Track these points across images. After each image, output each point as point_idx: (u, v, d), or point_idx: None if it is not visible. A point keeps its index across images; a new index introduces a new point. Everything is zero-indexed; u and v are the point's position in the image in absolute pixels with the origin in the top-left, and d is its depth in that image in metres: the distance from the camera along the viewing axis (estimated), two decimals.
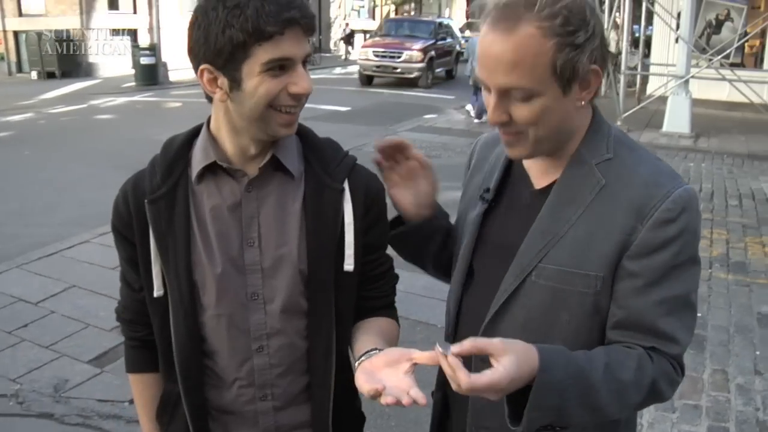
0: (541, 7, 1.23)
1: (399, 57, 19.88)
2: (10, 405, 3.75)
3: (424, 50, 20.18)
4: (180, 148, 1.50)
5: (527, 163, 1.45)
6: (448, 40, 22.85)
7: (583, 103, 1.33)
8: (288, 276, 1.47)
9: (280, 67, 1.33)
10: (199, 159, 1.47)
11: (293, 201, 1.48)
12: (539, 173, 1.43)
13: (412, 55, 19.95)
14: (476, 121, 13.85)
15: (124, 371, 1.69)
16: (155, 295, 1.49)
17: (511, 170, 1.49)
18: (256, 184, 1.47)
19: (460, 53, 22.86)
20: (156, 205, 1.46)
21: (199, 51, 1.35)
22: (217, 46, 1.31)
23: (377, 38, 22.35)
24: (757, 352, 4.35)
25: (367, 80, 20.78)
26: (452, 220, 1.69)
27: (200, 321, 1.49)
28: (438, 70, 21.66)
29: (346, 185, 1.51)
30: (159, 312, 1.51)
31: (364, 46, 21.41)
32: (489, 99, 1.31)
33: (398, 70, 19.92)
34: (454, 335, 1.53)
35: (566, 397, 1.23)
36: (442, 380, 1.60)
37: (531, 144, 1.33)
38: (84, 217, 7.02)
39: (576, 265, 1.33)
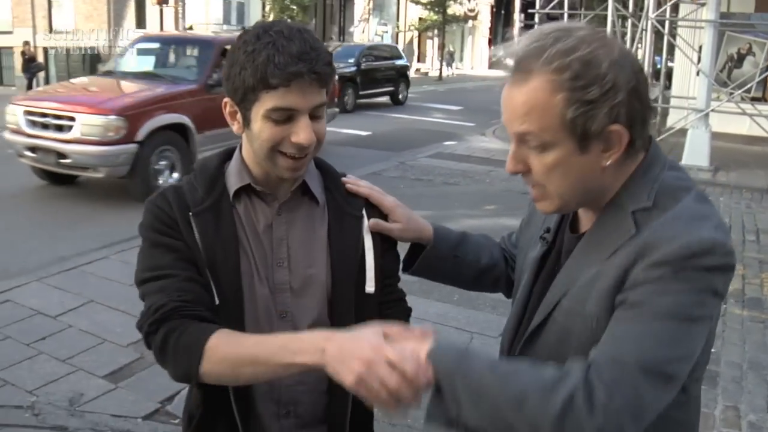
0: (549, 58, 1.19)
1: (68, 127, 8.37)
2: (26, 417, 3.80)
3: (137, 110, 8.52)
4: (216, 168, 1.57)
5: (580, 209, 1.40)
6: None
7: (607, 163, 1.24)
8: (316, 295, 1.54)
9: (285, 116, 1.40)
10: (234, 181, 1.55)
11: (320, 226, 1.58)
12: (587, 218, 1.38)
13: (94, 123, 8.29)
14: None
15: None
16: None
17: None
18: (286, 208, 1.55)
19: None
20: (202, 217, 1.50)
21: (225, 84, 1.45)
22: (235, 84, 1.41)
23: (66, 84, 11.66)
24: None
25: (45, 173, 9.12)
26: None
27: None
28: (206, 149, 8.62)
29: (364, 213, 1.61)
30: (231, 303, 1.49)
31: (14, 102, 9.08)
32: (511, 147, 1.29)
33: (67, 161, 8.42)
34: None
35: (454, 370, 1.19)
36: None
37: (556, 199, 1.29)
38: (104, 235, 7.11)
39: (580, 304, 1.27)
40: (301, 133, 1.40)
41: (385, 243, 1.63)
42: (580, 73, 1.18)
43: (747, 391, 4.30)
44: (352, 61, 20.38)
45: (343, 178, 1.65)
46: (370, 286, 1.57)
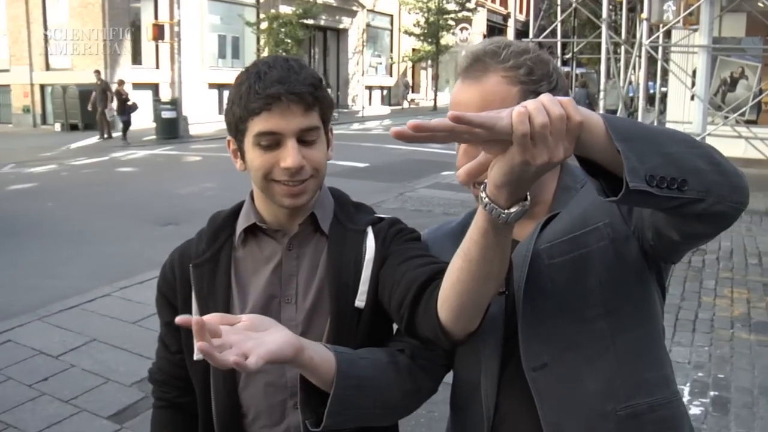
0: (506, 58, 1.33)
1: None
2: None
3: None
4: (225, 219, 1.60)
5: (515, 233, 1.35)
6: None
7: None
8: (320, 328, 1.50)
9: (272, 141, 1.41)
10: (241, 222, 1.56)
11: (322, 253, 1.53)
12: (524, 232, 1.40)
13: None
14: None
15: (143, 428, 1.69)
16: (195, 358, 1.51)
17: None
18: (296, 242, 1.53)
19: None
20: (200, 269, 1.54)
21: (226, 122, 1.50)
22: (229, 119, 1.47)
23: None
24: None
25: None
26: None
27: (238, 382, 1.52)
28: None
29: (369, 229, 1.55)
30: (200, 376, 1.55)
31: None
32: (459, 148, 1.35)
33: None
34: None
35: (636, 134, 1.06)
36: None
37: None
38: (105, 270, 7.07)
39: (579, 227, 1.36)
40: (288, 157, 1.40)
41: (392, 246, 1.52)
42: (533, 69, 1.34)
43: (759, 417, 4.25)
44: None
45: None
46: (360, 301, 1.49)
